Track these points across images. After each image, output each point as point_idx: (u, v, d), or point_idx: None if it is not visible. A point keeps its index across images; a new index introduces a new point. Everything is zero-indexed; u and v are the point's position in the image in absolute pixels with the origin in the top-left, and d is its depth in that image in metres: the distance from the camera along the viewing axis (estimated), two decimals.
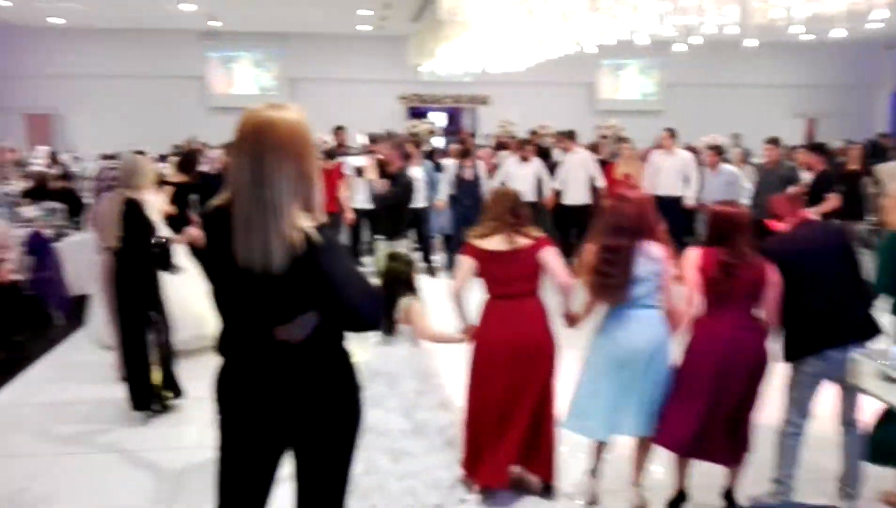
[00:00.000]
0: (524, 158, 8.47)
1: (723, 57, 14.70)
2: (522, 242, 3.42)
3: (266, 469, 2.18)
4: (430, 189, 8.38)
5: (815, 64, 16.69)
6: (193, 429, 4.34)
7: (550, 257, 3.42)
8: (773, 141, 7.94)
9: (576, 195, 8.57)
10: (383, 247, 6.28)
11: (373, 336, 3.58)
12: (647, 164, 8.71)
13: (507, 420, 3.42)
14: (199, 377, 4.53)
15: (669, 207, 7.87)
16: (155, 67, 15.65)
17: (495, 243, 3.43)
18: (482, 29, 6.84)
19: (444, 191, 8.50)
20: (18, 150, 10.83)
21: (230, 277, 2.00)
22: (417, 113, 16.56)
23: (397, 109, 16.76)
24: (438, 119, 16.97)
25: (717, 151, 8.48)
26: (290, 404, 2.08)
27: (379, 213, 6.73)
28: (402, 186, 6.19)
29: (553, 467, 3.52)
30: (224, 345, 2.15)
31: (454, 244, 8.05)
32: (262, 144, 1.94)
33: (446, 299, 3.56)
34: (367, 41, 16.14)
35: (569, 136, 8.98)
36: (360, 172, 7.27)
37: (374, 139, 8.15)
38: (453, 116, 17.94)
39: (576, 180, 8.56)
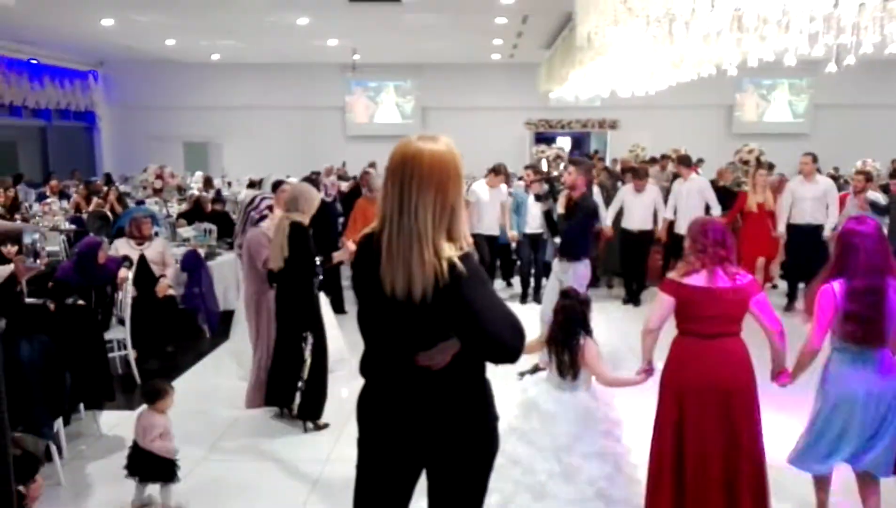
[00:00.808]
0: (638, 190, 8.19)
1: (877, 75, 13.69)
2: (734, 280, 3.16)
3: (402, 487, 2.23)
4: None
5: None
6: (326, 442, 4.54)
7: (763, 302, 3.21)
8: None
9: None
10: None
11: (548, 375, 3.49)
12: (785, 192, 7.99)
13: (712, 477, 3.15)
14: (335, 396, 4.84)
15: (809, 238, 7.53)
16: (299, 98, 16.64)
17: (702, 279, 3.17)
18: (618, 54, 6.73)
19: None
20: (178, 175, 11.82)
21: (376, 302, 2.08)
22: (543, 138, 16.58)
23: (525, 134, 16.83)
24: (564, 144, 16.90)
25: (867, 177, 7.88)
26: (426, 426, 2.12)
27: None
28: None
29: None
30: (367, 367, 2.23)
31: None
32: (408, 174, 2.00)
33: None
34: (496, 69, 16.38)
35: (684, 161, 8.57)
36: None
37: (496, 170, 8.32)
38: (579, 140, 17.79)
39: (689, 209, 7.91)
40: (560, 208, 5.90)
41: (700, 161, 11.27)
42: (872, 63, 10.03)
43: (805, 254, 7.49)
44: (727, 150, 12.44)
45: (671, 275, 3.30)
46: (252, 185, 11.88)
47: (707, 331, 3.17)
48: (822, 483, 3.41)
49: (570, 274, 5.59)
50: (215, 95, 16.57)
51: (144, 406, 3.85)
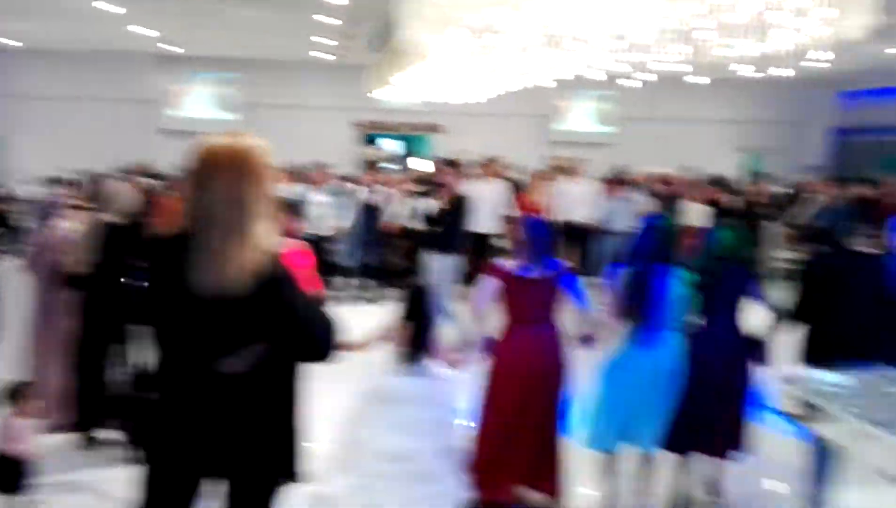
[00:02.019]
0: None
1: (671, 92, 15.20)
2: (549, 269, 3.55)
3: (186, 498, 2.12)
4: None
5: (757, 100, 17.39)
6: None
7: (575, 287, 3.58)
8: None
9: (484, 224, 8.55)
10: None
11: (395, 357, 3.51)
12: (555, 191, 9.46)
13: (516, 438, 3.50)
14: None
15: (577, 231, 8.98)
16: (105, 90, 15.36)
17: (518, 266, 3.54)
18: (439, 60, 6.94)
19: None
20: None
21: (180, 305, 1.99)
22: (372, 139, 16.67)
23: (352, 135, 16.81)
24: (392, 146, 17.11)
25: (620, 180, 9.86)
26: (224, 436, 2.06)
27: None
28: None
29: (559, 485, 3.61)
30: (163, 379, 2.11)
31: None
32: (219, 169, 1.96)
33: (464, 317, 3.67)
34: (324, 69, 16.17)
35: (485, 165, 9.23)
36: None
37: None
38: (409, 143, 18.07)
39: (483, 211, 8.34)
40: (439, 206, 6.64)
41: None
42: (672, 80, 11.14)
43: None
44: (545, 157, 13.24)
45: (495, 261, 3.66)
46: (51, 182, 10.79)
47: (524, 317, 3.51)
48: (610, 463, 3.71)
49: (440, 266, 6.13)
50: (5, 83, 14.86)
51: None
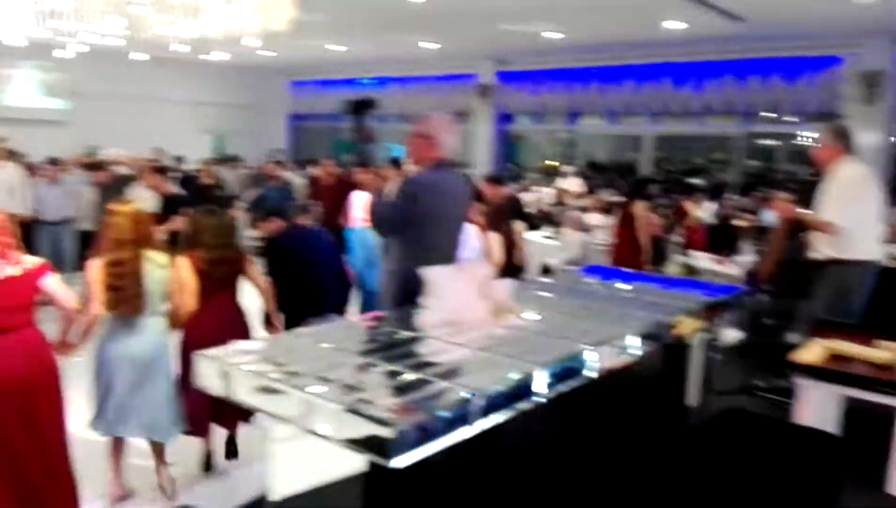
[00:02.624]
0: None
1: (139, 70, 14.50)
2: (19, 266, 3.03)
3: None
4: None
5: (223, 84, 17.91)
6: None
7: (52, 283, 3.13)
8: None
9: None
10: None
11: None
12: None
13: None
14: None
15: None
16: None
17: None
18: None
19: None
20: None
21: None
22: None
23: None
24: None
25: (54, 162, 8.77)
26: None
27: None
28: None
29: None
30: None
31: None
32: None
33: None
34: None
35: None
36: None
37: None
38: None
39: None
40: None
41: None
42: (124, 57, 10.46)
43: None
44: None
45: None
46: None
47: (2, 324, 2.95)
48: (117, 446, 3.54)
49: None
50: None
51: None
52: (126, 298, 3.36)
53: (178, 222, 7.04)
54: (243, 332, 3.78)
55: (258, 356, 2.32)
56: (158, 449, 3.63)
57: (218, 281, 3.77)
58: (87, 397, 3.52)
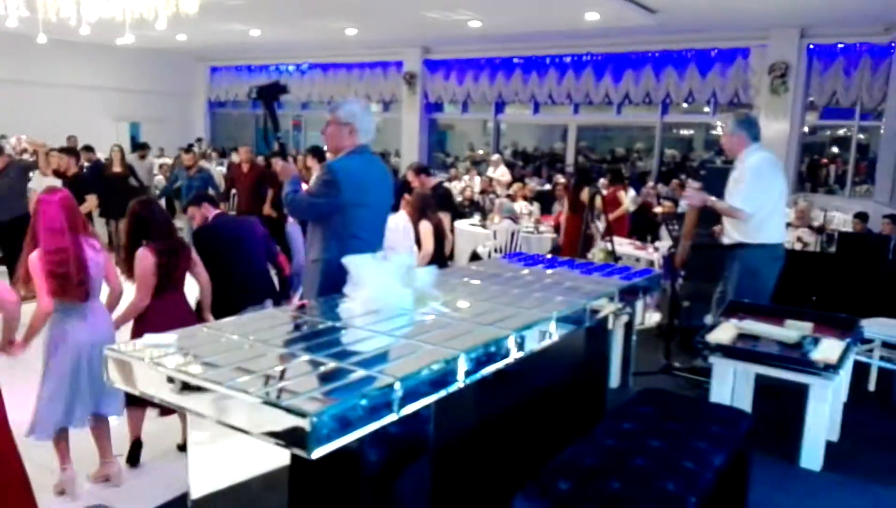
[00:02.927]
0: None
1: (41, 54, 13.75)
2: None
3: None
4: None
5: (134, 70, 17.19)
6: None
7: None
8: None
9: None
10: None
11: None
12: None
13: None
14: None
15: None
16: None
17: None
18: None
19: None
20: None
21: None
22: None
23: None
24: None
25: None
26: None
27: None
28: None
29: None
30: None
31: None
32: None
33: None
34: None
35: None
36: None
37: None
38: None
39: None
40: None
41: None
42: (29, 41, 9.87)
43: None
44: None
45: None
46: None
47: None
48: (62, 436, 3.43)
49: None
50: None
51: None
52: (73, 285, 3.26)
53: (87, 205, 6.78)
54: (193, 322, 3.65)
55: (173, 348, 2.24)
56: (101, 436, 3.53)
57: (168, 275, 3.66)
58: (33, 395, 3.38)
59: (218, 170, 12.07)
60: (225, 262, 4.16)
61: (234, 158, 10.50)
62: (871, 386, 5.03)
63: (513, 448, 3.00)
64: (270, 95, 3.56)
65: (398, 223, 5.23)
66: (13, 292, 3.13)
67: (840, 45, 11.23)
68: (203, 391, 1.97)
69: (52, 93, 15.46)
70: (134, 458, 3.74)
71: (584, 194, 7.15)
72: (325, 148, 3.84)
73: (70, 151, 7.51)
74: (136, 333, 3.55)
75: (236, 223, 4.67)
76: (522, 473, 2.56)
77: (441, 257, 5.59)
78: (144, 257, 3.60)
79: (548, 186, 12.12)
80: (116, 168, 8.76)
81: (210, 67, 18.73)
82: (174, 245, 3.73)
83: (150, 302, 3.63)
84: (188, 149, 9.51)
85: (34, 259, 3.25)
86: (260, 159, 9.81)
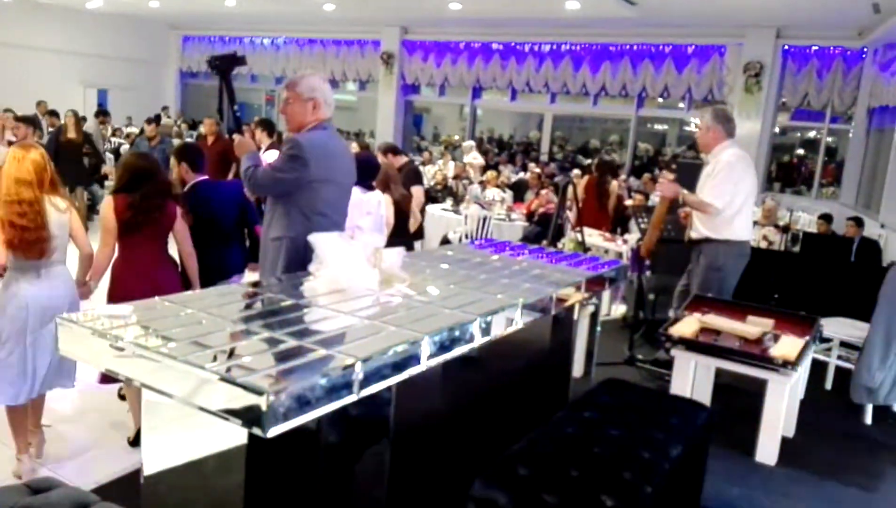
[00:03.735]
0: None
1: (4, 14, 13.35)
2: None
3: None
4: None
5: (104, 36, 16.74)
6: None
7: None
8: None
9: None
10: None
11: None
12: None
13: None
14: None
15: None
16: None
17: None
18: None
19: None
20: None
21: None
22: None
23: None
24: None
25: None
26: None
27: None
28: None
29: None
30: None
31: None
32: None
33: None
34: None
35: None
36: None
37: None
38: None
39: None
40: None
41: None
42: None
43: None
44: None
45: None
46: None
47: None
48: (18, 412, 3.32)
49: None
50: None
51: None
52: (30, 239, 3.16)
53: None
54: (176, 287, 3.53)
55: (128, 321, 2.17)
56: (37, 407, 3.42)
57: (141, 227, 3.53)
58: None
59: (189, 141, 11.83)
60: (201, 227, 4.02)
61: (201, 128, 10.28)
62: (828, 385, 5.13)
63: (474, 433, 2.99)
64: (226, 65, 3.43)
65: (381, 201, 5.13)
66: None
67: (814, 48, 11.38)
68: (158, 366, 1.91)
69: (18, 55, 14.99)
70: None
71: (613, 186, 7.39)
72: (286, 127, 3.69)
73: (28, 119, 7.23)
74: (114, 284, 3.53)
75: (212, 186, 4.45)
76: (483, 459, 2.55)
77: (402, 232, 5.48)
78: (107, 204, 3.53)
79: (521, 175, 12.13)
80: (71, 134, 8.38)
81: (183, 37, 18.32)
82: (149, 198, 3.54)
83: (125, 252, 3.55)
84: (151, 120, 9.26)
85: None
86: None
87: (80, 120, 8.92)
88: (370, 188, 4.75)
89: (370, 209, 4.67)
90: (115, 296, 3.47)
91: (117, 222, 3.49)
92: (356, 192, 4.85)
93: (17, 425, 3.31)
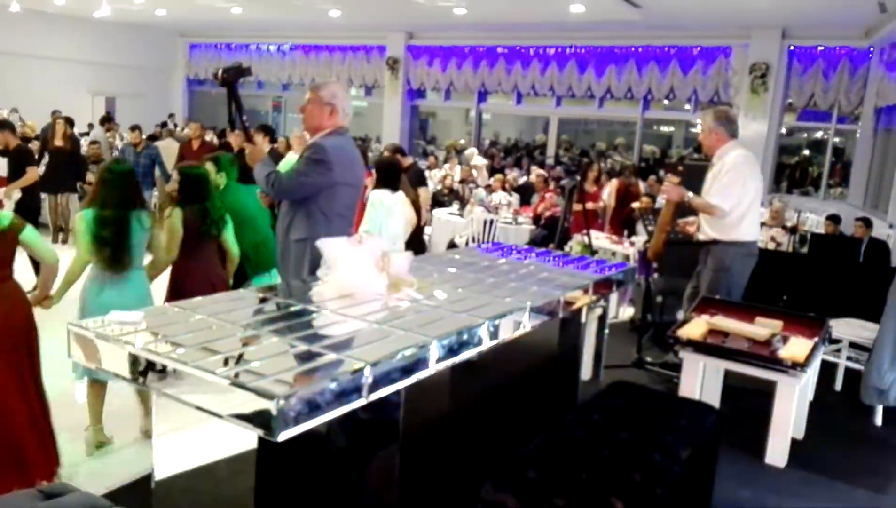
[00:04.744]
0: None
1: (14, 24, 13.46)
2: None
3: None
4: None
5: (111, 44, 16.85)
6: None
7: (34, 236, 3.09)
8: None
9: None
10: None
11: None
12: None
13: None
14: None
15: None
16: None
17: None
18: None
19: None
20: None
21: None
22: None
23: None
24: None
25: None
26: None
27: None
28: None
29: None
30: None
31: None
32: None
33: None
34: None
35: None
36: None
37: None
38: None
39: None
40: None
41: None
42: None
43: None
44: None
45: None
46: None
47: None
48: (97, 389, 3.52)
49: None
50: None
51: None
52: (112, 253, 3.37)
53: (27, 178, 6.59)
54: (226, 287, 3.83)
55: (140, 326, 2.19)
56: (145, 395, 3.60)
57: (202, 237, 3.83)
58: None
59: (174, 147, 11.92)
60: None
61: (188, 131, 10.40)
62: (838, 386, 5.10)
63: (483, 436, 2.99)
64: (232, 78, 3.50)
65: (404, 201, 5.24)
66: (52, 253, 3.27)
67: (820, 48, 11.34)
68: (168, 371, 1.93)
69: (27, 64, 15.11)
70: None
71: (641, 188, 7.49)
72: (303, 127, 3.79)
73: (5, 124, 7.25)
74: (175, 286, 3.80)
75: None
76: (492, 462, 2.56)
77: (414, 235, 5.57)
78: (176, 216, 3.77)
79: (526, 179, 12.12)
80: (58, 142, 8.19)
81: (189, 44, 18.43)
82: (208, 209, 3.85)
83: (185, 258, 3.79)
84: (134, 127, 9.30)
85: (82, 218, 3.40)
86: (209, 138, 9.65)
87: (69, 127, 8.87)
88: (395, 190, 5.05)
89: (397, 210, 5.01)
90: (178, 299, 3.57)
91: (184, 232, 3.75)
92: (385, 194, 5.02)
93: (94, 394, 3.54)
